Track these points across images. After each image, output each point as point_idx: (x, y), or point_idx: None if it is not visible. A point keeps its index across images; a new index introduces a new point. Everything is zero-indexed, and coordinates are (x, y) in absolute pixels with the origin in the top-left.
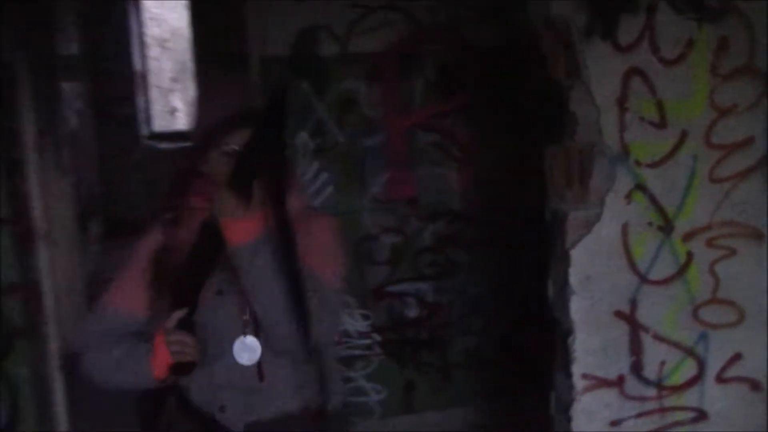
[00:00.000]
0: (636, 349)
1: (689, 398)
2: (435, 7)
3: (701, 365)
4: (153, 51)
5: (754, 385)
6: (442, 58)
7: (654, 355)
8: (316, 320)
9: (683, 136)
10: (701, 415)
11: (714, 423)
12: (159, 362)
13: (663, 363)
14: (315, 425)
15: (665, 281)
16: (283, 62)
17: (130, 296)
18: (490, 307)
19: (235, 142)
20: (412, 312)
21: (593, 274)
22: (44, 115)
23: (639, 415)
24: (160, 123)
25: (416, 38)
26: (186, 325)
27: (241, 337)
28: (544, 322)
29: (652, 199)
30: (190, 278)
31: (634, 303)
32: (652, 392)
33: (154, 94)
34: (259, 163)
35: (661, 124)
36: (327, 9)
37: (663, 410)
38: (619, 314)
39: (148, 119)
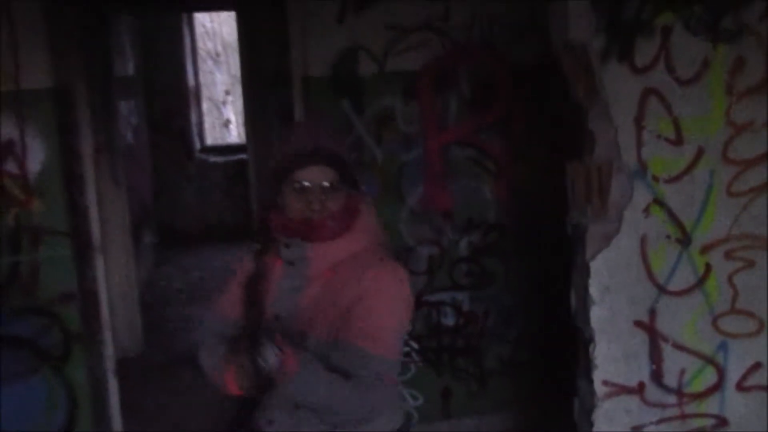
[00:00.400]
0: (656, 357)
1: (710, 405)
2: (469, 25)
3: (721, 373)
4: (206, 65)
5: None
6: (476, 75)
7: (674, 363)
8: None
9: (700, 152)
10: (722, 422)
11: (734, 430)
12: (228, 382)
13: (683, 371)
14: None
15: (684, 292)
16: (324, 81)
17: (231, 306)
18: (525, 316)
19: (305, 178)
20: (449, 320)
21: (612, 285)
22: (101, 132)
23: (660, 422)
24: (213, 135)
25: (451, 56)
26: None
27: (262, 344)
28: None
29: (670, 213)
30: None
31: (653, 313)
32: (672, 399)
33: (206, 106)
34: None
35: (678, 141)
36: (365, 30)
37: (684, 417)
38: (638, 323)
39: (201, 132)
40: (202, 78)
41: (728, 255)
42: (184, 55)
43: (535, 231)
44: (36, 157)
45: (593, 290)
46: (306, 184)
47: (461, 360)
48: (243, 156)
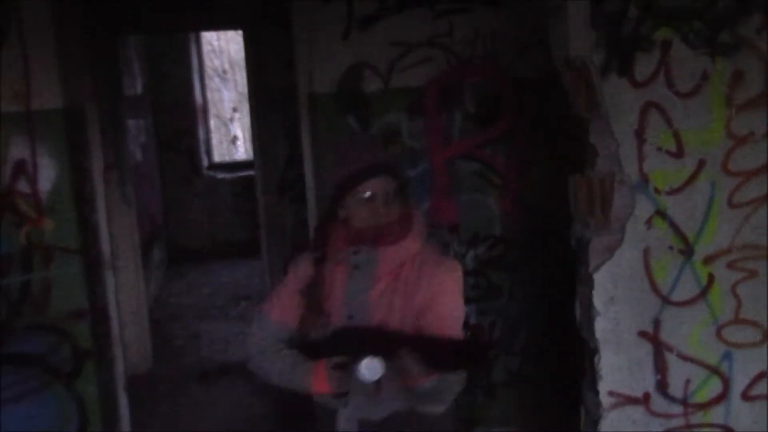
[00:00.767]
0: (661, 367)
1: (715, 415)
2: (472, 41)
3: (726, 383)
4: (213, 82)
5: None
6: (481, 90)
7: (679, 373)
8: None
9: (701, 164)
10: None
11: None
12: (317, 385)
13: (688, 381)
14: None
15: (688, 302)
16: (330, 98)
17: (284, 311)
18: (531, 328)
19: (370, 189)
20: None
21: (616, 296)
22: (111, 151)
23: None
24: (221, 152)
25: (455, 72)
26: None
27: (369, 357)
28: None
29: (672, 225)
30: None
31: (657, 323)
32: (678, 409)
33: (214, 124)
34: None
35: (679, 154)
36: (370, 47)
37: (689, 427)
38: (643, 334)
39: (209, 150)
40: (209, 95)
41: (731, 265)
42: (192, 73)
43: (541, 244)
44: (47, 176)
45: (597, 302)
46: (369, 194)
47: (468, 372)
48: (250, 172)
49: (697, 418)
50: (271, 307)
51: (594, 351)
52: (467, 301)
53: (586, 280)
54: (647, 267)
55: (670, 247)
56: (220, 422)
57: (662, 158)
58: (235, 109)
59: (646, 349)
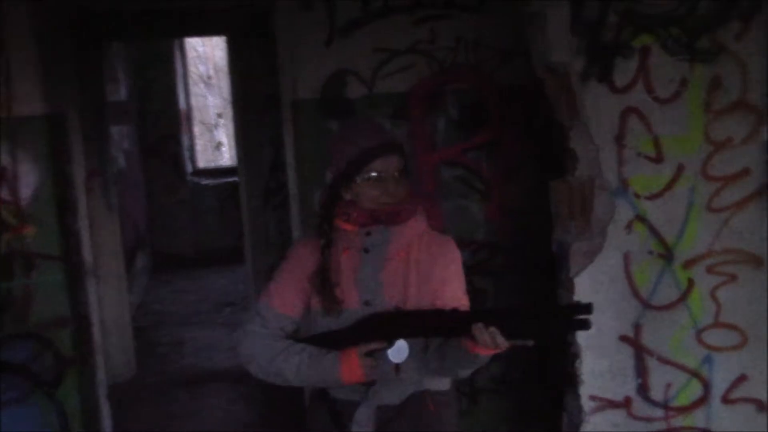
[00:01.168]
0: (642, 371)
1: (696, 419)
2: (455, 48)
3: (707, 387)
4: (198, 88)
5: (760, 406)
6: (465, 97)
7: (660, 377)
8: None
9: (680, 169)
10: None
11: None
12: (349, 374)
13: (669, 385)
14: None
15: (668, 306)
16: (314, 104)
17: (287, 301)
18: None
19: (379, 168)
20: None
21: (597, 300)
22: (94, 157)
23: None
24: (206, 158)
25: (439, 78)
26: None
27: (398, 341)
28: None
29: (652, 230)
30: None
31: (638, 327)
32: (659, 413)
33: (199, 130)
34: None
35: (659, 159)
36: (353, 53)
37: (670, 430)
38: (624, 338)
39: (193, 156)
40: (194, 101)
41: (710, 270)
42: (176, 79)
43: (525, 249)
44: (29, 183)
45: None
46: (381, 173)
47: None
48: (235, 178)
49: (678, 421)
50: (272, 298)
51: (575, 356)
52: None
53: (568, 285)
54: (628, 272)
55: (651, 252)
56: (205, 430)
57: (642, 163)
58: (219, 115)
59: (627, 354)
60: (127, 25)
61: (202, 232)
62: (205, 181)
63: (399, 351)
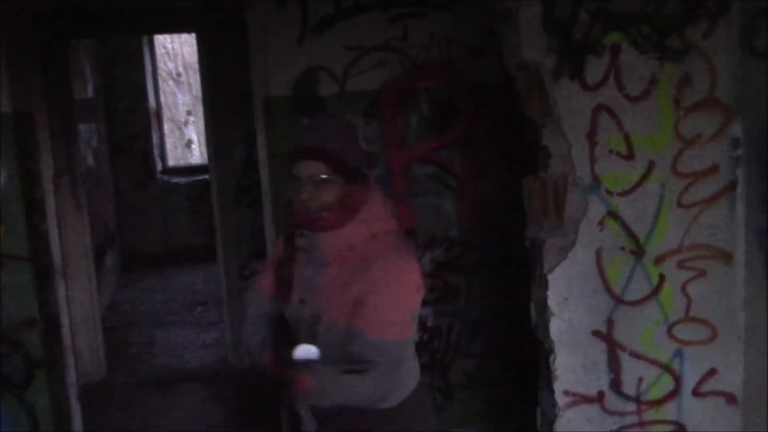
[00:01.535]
0: (614, 366)
1: (668, 412)
2: (428, 46)
3: (678, 380)
4: (167, 85)
5: (730, 399)
6: (436, 94)
7: (632, 371)
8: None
9: (651, 166)
10: (680, 429)
11: None
12: (270, 364)
13: (641, 379)
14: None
15: (640, 302)
16: (286, 101)
17: (265, 287)
18: (489, 330)
19: (298, 171)
20: None
21: (570, 296)
22: (61, 156)
23: (619, 429)
24: (176, 156)
25: (411, 76)
26: None
27: (304, 345)
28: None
29: (624, 226)
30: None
31: (610, 323)
32: (631, 407)
33: (168, 127)
34: None
35: (630, 156)
36: (325, 51)
37: (643, 424)
38: (596, 333)
39: (163, 154)
40: (163, 99)
41: (681, 265)
42: (145, 76)
43: (498, 246)
44: None
45: (552, 302)
46: (300, 177)
47: (426, 375)
48: (206, 176)
49: (650, 415)
50: (259, 279)
51: (549, 351)
52: (425, 303)
53: (541, 281)
54: (600, 267)
55: (622, 248)
56: (177, 430)
57: (613, 160)
58: (189, 113)
59: (600, 349)
60: (95, 21)
61: (172, 230)
62: (175, 180)
63: (304, 352)
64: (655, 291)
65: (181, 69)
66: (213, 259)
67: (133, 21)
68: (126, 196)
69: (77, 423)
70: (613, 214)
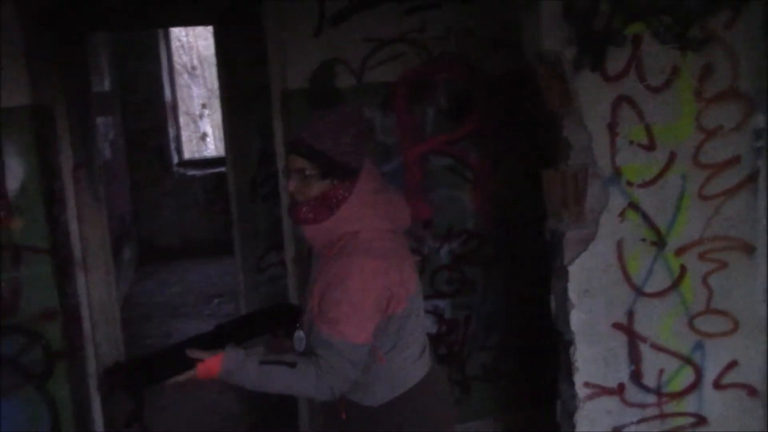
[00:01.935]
0: (635, 358)
1: (688, 404)
2: (444, 38)
3: (699, 373)
4: (182, 79)
5: (752, 391)
6: (453, 86)
7: (653, 363)
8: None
9: (672, 157)
10: (701, 421)
11: (713, 428)
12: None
13: (662, 371)
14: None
15: (660, 293)
16: (302, 94)
17: None
18: (506, 322)
19: (288, 164)
20: (431, 328)
21: (591, 288)
22: (80, 149)
23: (640, 421)
24: (190, 149)
25: (427, 68)
26: None
27: (299, 331)
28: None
29: (645, 217)
30: None
31: (631, 315)
32: (652, 399)
33: (184, 121)
34: None
35: (651, 147)
36: (342, 43)
37: (663, 416)
38: (617, 325)
39: (179, 147)
40: (178, 92)
41: (702, 256)
42: (161, 69)
43: (515, 238)
44: (15, 174)
45: (572, 294)
46: (288, 168)
47: (444, 367)
48: (221, 169)
49: (670, 407)
50: None
51: (569, 343)
52: (443, 295)
53: (561, 274)
54: (621, 259)
55: (643, 240)
56: (195, 422)
57: (634, 151)
58: (204, 106)
59: (620, 341)
60: (111, 15)
61: (187, 223)
62: (190, 172)
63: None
64: (676, 283)
65: (196, 62)
66: (229, 251)
67: (150, 14)
68: (142, 189)
69: (97, 413)
70: (633, 206)
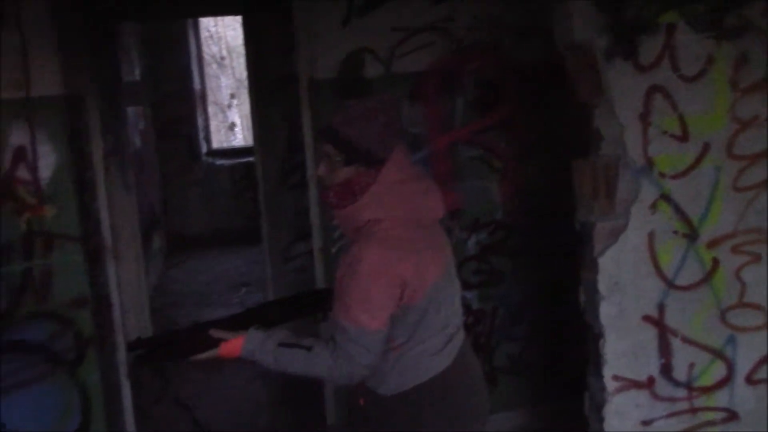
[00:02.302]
0: (665, 351)
1: (719, 399)
2: (474, 26)
3: (730, 367)
4: (211, 69)
5: None
6: (482, 76)
7: (683, 357)
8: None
9: (706, 148)
10: (732, 416)
11: (745, 423)
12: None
13: (692, 365)
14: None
15: (692, 286)
16: (331, 84)
17: None
18: (534, 313)
19: (320, 149)
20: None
21: (621, 280)
22: (110, 138)
23: (670, 416)
24: (219, 138)
25: (456, 57)
26: None
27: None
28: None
29: (677, 209)
30: None
31: (661, 308)
32: (682, 393)
33: (212, 110)
34: None
35: (684, 138)
36: (371, 32)
37: (693, 410)
38: (647, 318)
39: (207, 136)
40: (207, 82)
41: (735, 249)
42: (190, 59)
43: (543, 229)
44: (47, 163)
45: (602, 286)
46: (321, 155)
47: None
48: (250, 159)
49: (701, 401)
50: None
51: (598, 336)
52: (470, 286)
53: (591, 265)
54: (652, 251)
55: (675, 232)
56: (224, 409)
57: (667, 142)
58: (232, 96)
59: (650, 334)
60: (142, 5)
61: (216, 212)
62: (219, 162)
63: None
64: (708, 276)
65: (224, 52)
66: (256, 241)
67: (179, 4)
68: (171, 179)
69: (127, 400)
70: (665, 197)
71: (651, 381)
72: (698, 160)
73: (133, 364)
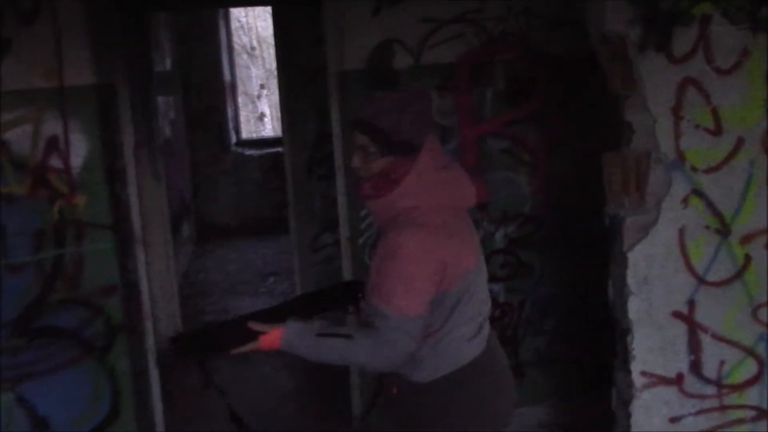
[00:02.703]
0: (695, 348)
1: (750, 397)
2: (505, 18)
3: (762, 365)
4: (241, 59)
5: None
6: (512, 67)
7: (713, 354)
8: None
9: (739, 142)
10: (762, 414)
11: None
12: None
13: (722, 362)
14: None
15: (723, 283)
16: (360, 75)
17: None
18: (561, 307)
19: (353, 140)
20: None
21: (650, 275)
22: (141, 127)
23: (698, 413)
24: (248, 129)
25: (486, 49)
26: None
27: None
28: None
29: (709, 204)
30: None
31: (692, 304)
32: (711, 390)
33: (242, 101)
34: None
35: (717, 131)
36: (400, 23)
37: (723, 408)
38: (677, 314)
39: (237, 126)
40: (237, 72)
41: None
42: (220, 49)
43: (571, 222)
44: (79, 152)
45: (631, 281)
46: (355, 145)
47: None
48: (278, 149)
49: (731, 399)
50: None
51: (626, 331)
52: (497, 279)
53: (620, 260)
54: (682, 247)
55: (706, 227)
56: (249, 398)
57: (700, 136)
58: (262, 86)
59: (680, 330)
60: None
61: (244, 202)
62: (248, 152)
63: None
64: (740, 272)
65: (255, 43)
66: (284, 230)
67: None
68: (201, 168)
69: (155, 387)
70: (697, 192)
71: (680, 377)
72: (732, 155)
73: (174, 357)
